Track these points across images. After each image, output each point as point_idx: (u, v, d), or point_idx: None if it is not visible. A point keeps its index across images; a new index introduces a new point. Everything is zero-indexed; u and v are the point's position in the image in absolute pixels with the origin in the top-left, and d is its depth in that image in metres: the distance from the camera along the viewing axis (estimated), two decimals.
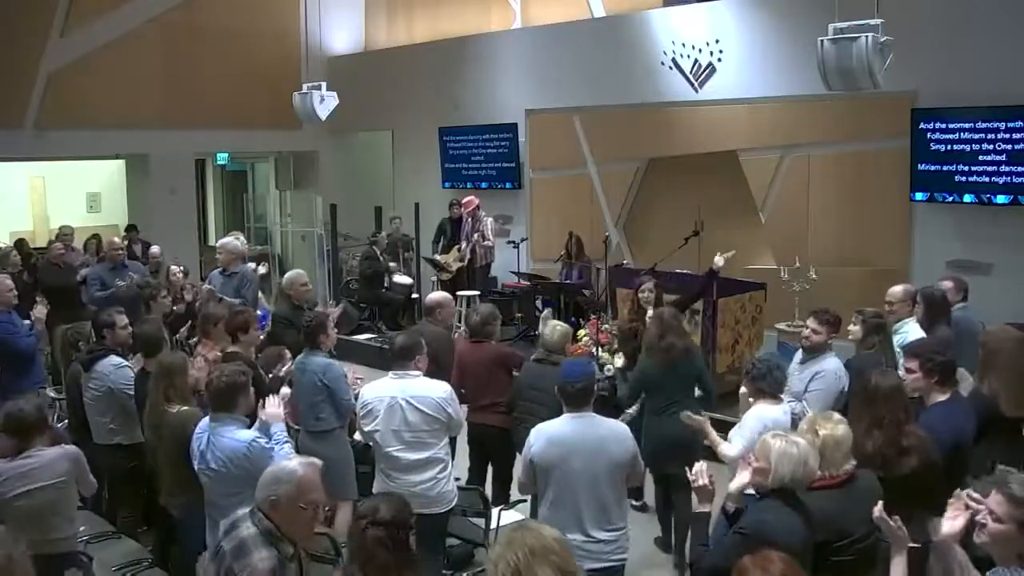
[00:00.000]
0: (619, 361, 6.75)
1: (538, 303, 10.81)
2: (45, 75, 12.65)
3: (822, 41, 6.75)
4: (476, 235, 11.40)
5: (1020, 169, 7.86)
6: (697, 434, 4.91)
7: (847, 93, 7.30)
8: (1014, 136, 7.84)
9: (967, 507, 3.00)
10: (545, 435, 4.14)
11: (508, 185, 12.59)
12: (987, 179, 8.06)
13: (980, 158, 8.07)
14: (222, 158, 17.06)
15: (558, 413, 4.31)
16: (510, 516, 5.00)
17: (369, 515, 2.88)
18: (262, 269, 9.20)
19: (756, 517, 3.31)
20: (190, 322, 7.10)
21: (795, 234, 9.65)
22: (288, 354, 5.82)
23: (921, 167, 8.46)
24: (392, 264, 11.88)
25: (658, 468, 5.76)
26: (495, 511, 5.21)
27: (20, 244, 11.53)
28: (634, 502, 6.36)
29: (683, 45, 10.29)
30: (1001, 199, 8.01)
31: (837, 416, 3.79)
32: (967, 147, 8.14)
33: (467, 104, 13.00)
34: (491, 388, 5.93)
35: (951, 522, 3.04)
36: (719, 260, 7.20)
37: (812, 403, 5.08)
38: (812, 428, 3.63)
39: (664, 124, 10.96)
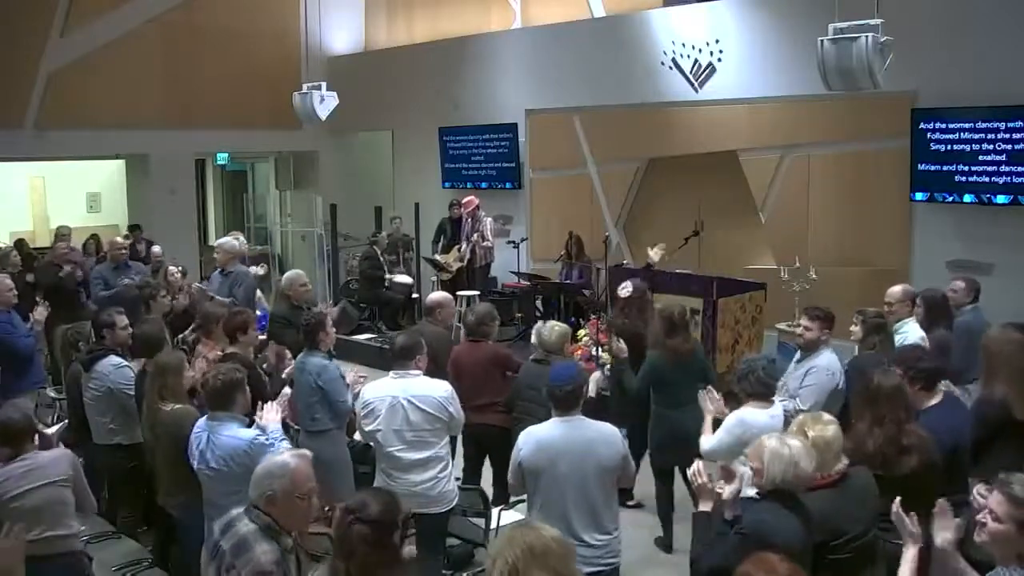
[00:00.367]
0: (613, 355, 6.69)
1: (538, 303, 10.82)
2: (45, 75, 12.65)
3: (822, 41, 6.75)
4: (476, 235, 11.40)
5: (1020, 169, 7.85)
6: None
7: (847, 93, 7.30)
8: (1014, 136, 7.84)
9: (957, 512, 3.02)
10: (534, 439, 4.13)
11: (508, 185, 12.59)
12: (987, 179, 8.06)
13: (980, 158, 8.06)
14: (222, 158, 17.06)
15: None
16: (510, 516, 5.00)
17: (356, 510, 2.83)
18: (260, 270, 9.21)
19: (755, 518, 3.31)
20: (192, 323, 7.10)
21: (795, 234, 9.65)
22: (289, 354, 5.82)
23: (921, 167, 8.46)
24: (393, 264, 11.87)
25: (665, 462, 5.86)
26: (495, 511, 5.21)
27: (20, 244, 11.54)
28: (628, 503, 6.38)
29: (683, 45, 10.29)
30: (1001, 199, 8.01)
31: (827, 417, 3.80)
32: (967, 147, 8.14)
33: (467, 104, 13.00)
34: (488, 388, 5.92)
35: (942, 533, 3.06)
36: (654, 255, 7.28)
37: (804, 399, 5.09)
38: (801, 430, 3.64)
39: (664, 124, 10.96)
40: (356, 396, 5.22)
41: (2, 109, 12.16)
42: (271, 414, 4.36)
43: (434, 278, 11.92)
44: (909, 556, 3.15)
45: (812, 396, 5.10)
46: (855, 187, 9.27)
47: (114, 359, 5.62)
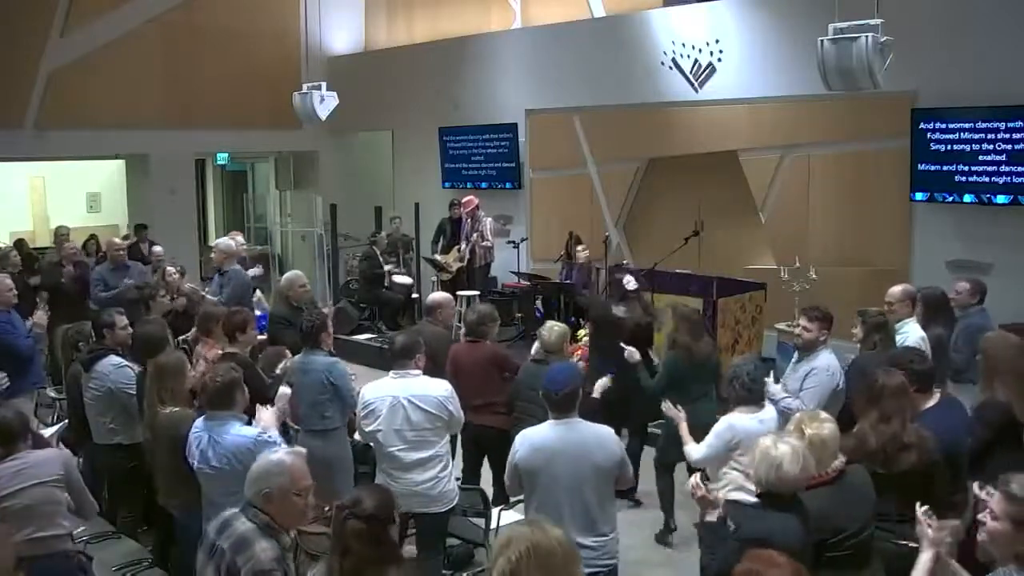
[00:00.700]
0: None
1: (538, 303, 10.81)
2: (45, 75, 12.65)
3: (822, 41, 6.75)
4: (475, 235, 11.40)
5: (1020, 169, 7.85)
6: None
7: (847, 93, 7.29)
8: (1014, 136, 7.84)
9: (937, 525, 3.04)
10: (529, 441, 4.13)
11: (508, 185, 12.59)
12: (987, 179, 8.06)
13: (980, 158, 8.06)
14: (222, 158, 17.06)
15: None
16: (510, 516, 5.00)
17: (350, 506, 2.82)
18: (256, 271, 9.24)
19: (754, 522, 3.32)
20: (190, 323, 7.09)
21: (795, 234, 9.65)
22: (288, 354, 5.81)
23: (921, 167, 8.46)
24: (391, 266, 11.86)
25: (670, 457, 5.96)
26: (495, 511, 5.21)
27: (20, 244, 11.53)
28: (630, 503, 6.38)
29: (683, 45, 10.29)
30: (1001, 199, 8.01)
31: (824, 415, 3.83)
32: (967, 147, 8.14)
33: (467, 104, 13.00)
34: (486, 388, 5.92)
35: (923, 555, 3.10)
36: (627, 283, 7.47)
37: (807, 401, 5.09)
38: (798, 427, 3.66)
39: (664, 124, 10.96)
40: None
41: (2, 109, 12.16)
42: (269, 419, 4.36)
43: (434, 278, 11.91)
44: (924, 560, 3.16)
45: (815, 397, 5.10)
46: (855, 187, 9.27)
47: (114, 359, 5.62)
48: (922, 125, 8.38)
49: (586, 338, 9.11)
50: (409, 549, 3.07)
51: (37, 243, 13.47)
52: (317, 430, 5.40)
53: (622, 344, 6.22)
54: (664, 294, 8.55)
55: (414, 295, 11.90)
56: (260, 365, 5.73)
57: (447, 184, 13.29)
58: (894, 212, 8.87)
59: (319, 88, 10.83)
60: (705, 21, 10.16)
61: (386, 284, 11.64)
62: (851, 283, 8.80)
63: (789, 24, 9.23)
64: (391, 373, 4.93)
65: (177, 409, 4.76)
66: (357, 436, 5.36)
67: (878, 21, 6.62)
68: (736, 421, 4.51)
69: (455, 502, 4.96)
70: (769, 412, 4.64)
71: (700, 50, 10.14)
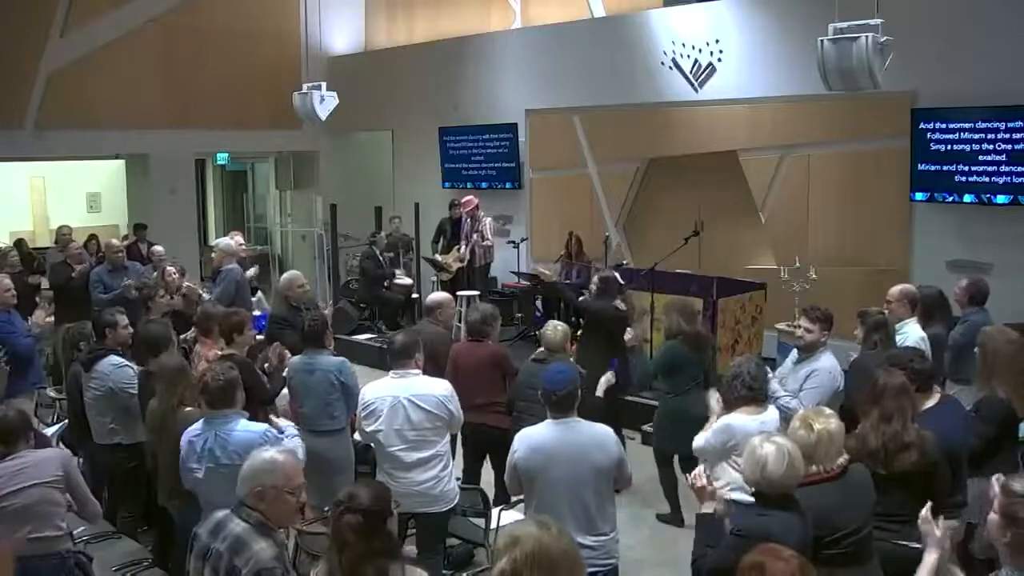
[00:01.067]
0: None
1: (538, 303, 10.81)
2: (45, 75, 12.65)
3: (822, 41, 6.75)
4: (475, 235, 11.40)
5: (1020, 169, 7.85)
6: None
7: (847, 93, 7.29)
8: (1014, 136, 7.84)
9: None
10: (527, 442, 4.13)
11: (508, 185, 12.59)
12: (987, 179, 8.06)
13: (980, 158, 8.06)
14: (222, 158, 17.06)
15: None
16: (510, 516, 4.99)
17: (346, 501, 2.81)
18: (252, 271, 9.24)
19: (752, 519, 3.31)
20: (189, 322, 7.09)
21: (795, 234, 9.65)
22: (289, 355, 5.81)
23: (921, 167, 8.46)
24: (394, 269, 11.85)
25: (666, 447, 6.19)
26: (495, 511, 5.20)
27: (20, 244, 11.54)
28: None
29: (683, 45, 10.29)
30: (1001, 199, 8.01)
31: (828, 411, 3.81)
32: (967, 147, 8.14)
33: (467, 104, 13.00)
34: (487, 388, 5.91)
35: (928, 556, 3.11)
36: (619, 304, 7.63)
37: (806, 401, 5.08)
38: (806, 424, 3.63)
39: (664, 124, 10.95)
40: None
41: (2, 109, 12.16)
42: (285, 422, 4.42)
43: (434, 278, 11.92)
44: (929, 561, 3.16)
45: (815, 398, 5.10)
46: (855, 187, 9.27)
47: (114, 359, 5.61)
48: (922, 125, 8.38)
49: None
50: (409, 549, 3.07)
51: (37, 243, 13.47)
52: (325, 430, 5.40)
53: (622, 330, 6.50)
54: (664, 294, 8.53)
55: (414, 295, 11.90)
56: (261, 365, 5.73)
57: (447, 184, 13.29)
58: (894, 212, 8.87)
59: (319, 88, 10.83)
60: (705, 21, 10.16)
61: (386, 284, 11.64)
62: (851, 283, 8.80)
63: (789, 24, 9.23)
64: (391, 373, 4.93)
65: (196, 409, 4.75)
66: (357, 436, 5.37)
67: (878, 21, 6.62)
68: (734, 422, 4.48)
69: (455, 502, 4.96)
70: (771, 414, 4.59)
71: (700, 50, 10.14)
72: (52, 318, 7.55)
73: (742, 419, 4.48)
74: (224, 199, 17.77)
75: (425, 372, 5.02)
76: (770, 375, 4.94)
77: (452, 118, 13.16)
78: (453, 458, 5.34)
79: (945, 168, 8.31)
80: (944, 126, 8.27)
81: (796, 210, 9.80)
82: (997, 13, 7.99)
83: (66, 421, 6.16)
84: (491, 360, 6.01)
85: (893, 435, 3.95)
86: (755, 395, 4.51)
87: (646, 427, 7.39)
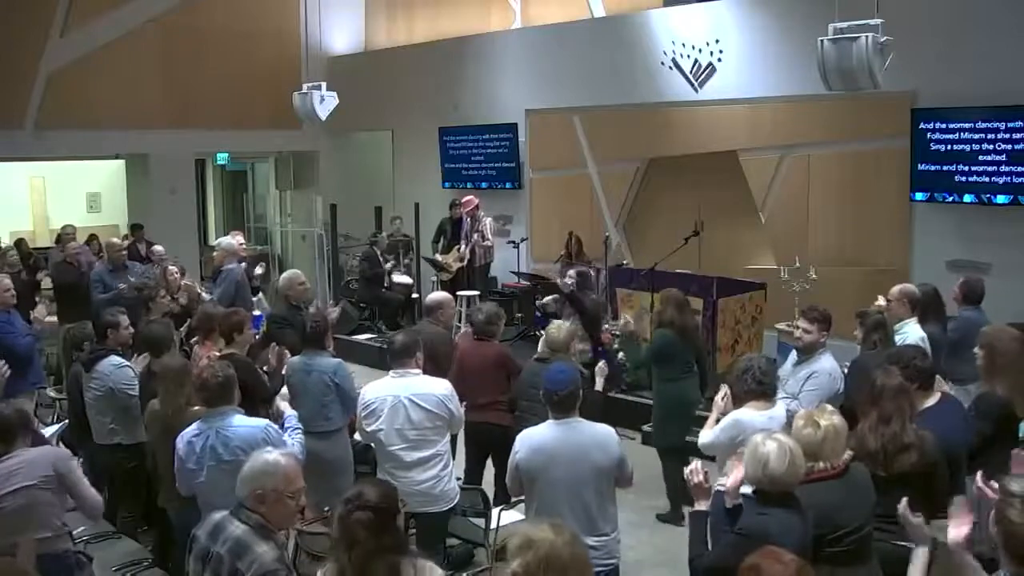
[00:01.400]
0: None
1: (538, 303, 10.80)
2: (45, 75, 12.66)
3: (822, 41, 6.75)
4: (475, 235, 11.41)
5: (1020, 169, 7.86)
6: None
7: (847, 93, 7.30)
8: (1014, 136, 7.84)
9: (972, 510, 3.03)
10: (529, 442, 4.14)
11: (508, 185, 12.59)
12: (987, 179, 8.06)
13: (980, 158, 8.06)
14: (222, 158, 17.05)
15: None
16: (510, 516, 5.00)
17: (355, 499, 2.81)
18: (259, 270, 9.24)
19: (752, 518, 3.31)
20: (188, 321, 7.10)
21: (795, 234, 9.65)
22: (288, 355, 5.81)
23: (921, 167, 8.46)
24: (391, 265, 11.85)
25: (667, 437, 6.38)
26: (495, 511, 5.20)
27: (20, 244, 11.54)
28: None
29: (683, 45, 10.29)
30: (1001, 199, 8.01)
31: (830, 408, 3.81)
32: (967, 147, 8.14)
33: (467, 104, 12.99)
34: (492, 387, 5.92)
35: (956, 529, 3.03)
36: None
37: (806, 403, 5.07)
38: (811, 421, 3.63)
39: (664, 124, 10.95)
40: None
41: (2, 109, 12.16)
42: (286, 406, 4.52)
43: (434, 278, 11.92)
44: (919, 557, 3.14)
45: (815, 400, 5.08)
46: (855, 187, 9.27)
47: (115, 359, 5.62)
48: (922, 125, 8.38)
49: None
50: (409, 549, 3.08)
51: (37, 243, 13.47)
52: (320, 431, 5.39)
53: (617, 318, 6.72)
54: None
55: (414, 295, 11.90)
56: (261, 365, 5.73)
57: (447, 184, 13.29)
58: (894, 212, 8.87)
59: (319, 88, 10.83)
60: (705, 21, 10.16)
61: (386, 284, 11.64)
62: (851, 283, 8.80)
63: (789, 24, 9.23)
64: (391, 373, 4.94)
65: (201, 408, 4.75)
66: (357, 436, 5.37)
67: (878, 21, 6.63)
68: (744, 417, 4.45)
69: (456, 501, 4.96)
70: (779, 409, 4.58)
71: (700, 50, 10.14)
72: (55, 317, 7.54)
73: (751, 414, 4.45)
74: (224, 199, 17.76)
75: (425, 372, 5.02)
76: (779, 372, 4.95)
77: (452, 118, 13.16)
78: (454, 458, 5.35)
79: (945, 168, 8.31)
80: (944, 126, 8.27)
81: (796, 210, 9.80)
82: (997, 13, 7.99)
83: (66, 421, 6.16)
84: (496, 359, 6.02)
85: (892, 436, 3.95)
86: (764, 389, 4.49)
87: (646, 427, 7.39)
